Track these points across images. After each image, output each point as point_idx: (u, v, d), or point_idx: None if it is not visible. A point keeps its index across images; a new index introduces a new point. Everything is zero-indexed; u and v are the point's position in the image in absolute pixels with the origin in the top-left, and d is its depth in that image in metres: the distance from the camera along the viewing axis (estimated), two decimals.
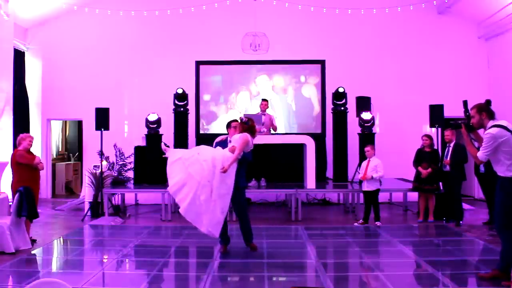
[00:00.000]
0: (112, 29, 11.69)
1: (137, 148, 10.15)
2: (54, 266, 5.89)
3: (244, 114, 9.46)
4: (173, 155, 5.84)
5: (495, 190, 4.65)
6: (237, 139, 5.80)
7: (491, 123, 4.62)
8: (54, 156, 12.85)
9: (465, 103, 5.41)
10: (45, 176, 11.34)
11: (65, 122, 13.74)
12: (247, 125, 5.95)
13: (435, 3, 11.11)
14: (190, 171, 5.59)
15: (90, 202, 9.21)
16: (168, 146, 6.14)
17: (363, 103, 10.34)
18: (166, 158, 6.00)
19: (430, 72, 11.59)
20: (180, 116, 10.51)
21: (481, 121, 4.68)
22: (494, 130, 4.52)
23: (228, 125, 6.35)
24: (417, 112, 11.14)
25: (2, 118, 9.56)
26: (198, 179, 5.54)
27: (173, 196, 5.80)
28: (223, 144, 6.17)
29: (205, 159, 5.61)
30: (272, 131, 9.52)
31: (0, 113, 9.47)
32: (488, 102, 4.75)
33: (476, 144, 5.12)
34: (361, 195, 8.57)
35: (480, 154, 4.62)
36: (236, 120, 6.39)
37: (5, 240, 6.11)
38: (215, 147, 6.18)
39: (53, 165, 12.48)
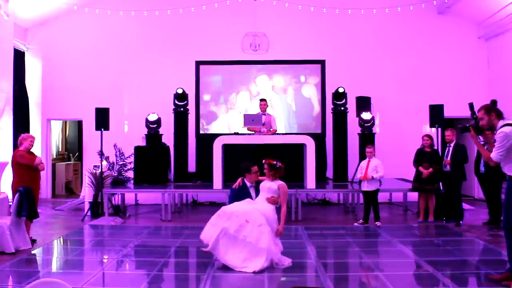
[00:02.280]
0: (112, 29, 11.69)
1: (137, 148, 10.16)
2: (54, 266, 5.89)
3: (244, 114, 9.49)
4: (213, 235, 5.27)
5: (506, 190, 4.51)
6: (275, 190, 5.43)
7: (501, 122, 4.54)
8: (54, 156, 12.85)
9: (471, 105, 5.35)
10: (45, 176, 11.34)
11: (65, 122, 13.74)
12: (281, 169, 5.54)
13: (435, 3, 11.10)
14: (253, 242, 5.18)
15: (90, 202, 9.21)
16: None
17: (363, 103, 10.35)
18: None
19: (430, 72, 11.59)
20: (180, 116, 10.51)
21: (491, 122, 4.59)
22: (507, 129, 4.42)
23: (248, 170, 5.74)
24: (417, 112, 11.14)
25: (2, 118, 9.56)
26: (265, 246, 5.22)
27: (241, 269, 5.19)
28: (244, 191, 5.71)
29: (260, 224, 5.23)
30: None
31: (0, 113, 9.47)
32: (494, 102, 4.68)
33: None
34: (361, 195, 8.56)
35: (494, 155, 4.50)
36: (254, 164, 5.82)
37: (5, 240, 6.10)
38: (232, 195, 5.73)
39: (53, 165, 12.48)
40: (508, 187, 4.50)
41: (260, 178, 5.76)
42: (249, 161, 5.92)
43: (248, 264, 5.18)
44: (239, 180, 5.80)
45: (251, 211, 5.31)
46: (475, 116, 4.80)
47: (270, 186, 5.50)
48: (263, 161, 5.66)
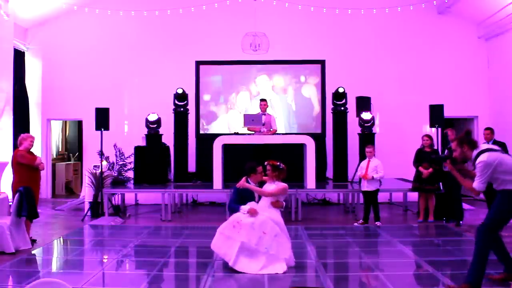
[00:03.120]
0: (112, 29, 11.69)
1: (137, 148, 10.16)
2: (54, 266, 5.89)
3: (244, 114, 9.49)
4: (232, 250, 5.22)
5: (501, 200, 4.40)
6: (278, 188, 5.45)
7: (475, 152, 4.45)
8: (54, 156, 12.85)
9: (444, 135, 5.25)
10: (45, 176, 11.33)
11: (65, 122, 13.74)
12: (283, 170, 5.51)
13: (435, 3, 11.10)
14: (275, 253, 5.19)
15: (90, 202, 9.21)
16: None
17: (363, 103, 10.35)
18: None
19: (430, 72, 11.59)
20: (180, 116, 10.51)
21: (463, 153, 4.50)
22: (485, 157, 4.33)
23: (253, 170, 5.62)
24: (417, 112, 11.14)
25: (2, 118, 9.56)
26: (287, 256, 5.29)
27: (259, 272, 5.16)
28: (248, 191, 5.59)
29: (276, 234, 5.24)
30: None
31: (0, 113, 9.47)
32: (468, 133, 4.55)
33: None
34: (361, 195, 8.56)
35: (477, 184, 4.37)
36: (259, 164, 5.70)
37: (5, 240, 6.10)
38: (236, 194, 5.64)
39: (53, 165, 12.48)
40: (504, 196, 4.36)
41: (264, 178, 5.71)
42: (253, 162, 5.84)
43: (267, 270, 5.16)
44: (243, 179, 5.71)
45: (266, 221, 5.27)
46: (449, 146, 4.69)
47: (269, 188, 5.49)
48: (266, 162, 5.61)
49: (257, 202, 5.58)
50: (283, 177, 5.55)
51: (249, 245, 5.16)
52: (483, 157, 4.34)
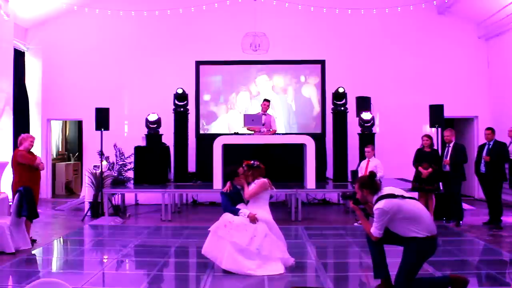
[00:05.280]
0: (112, 29, 11.69)
1: (137, 148, 10.16)
2: (54, 266, 5.90)
3: (244, 114, 9.49)
4: (223, 252, 5.23)
5: (416, 249, 4.31)
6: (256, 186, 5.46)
7: (375, 197, 4.29)
8: (54, 156, 12.85)
9: (353, 173, 5.10)
10: (45, 176, 11.32)
11: (65, 122, 13.74)
12: (259, 168, 5.54)
13: (435, 3, 11.10)
14: (267, 254, 5.20)
15: (90, 202, 9.21)
16: None
17: (363, 103, 10.35)
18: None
19: (430, 72, 11.59)
20: (180, 116, 10.51)
21: (364, 197, 4.39)
22: (381, 204, 4.17)
23: (236, 174, 5.56)
24: (417, 112, 11.14)
25: (2, 118, 9.56)
26: (281, 256, 5.32)
27: (257, 274, 5.14)
28: (239, 194, 5.57)
29: (266, 234, 5.25)
30: None
31: (0, 113, 9.48)
32: (372, 176, 4.43)
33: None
34: None
35: (374, 230, 4.28)
36: (239, 166, 5.64)
37: (5, 240, 6.10)
38: (227, 199, 5.56)
39: (53, 165, 12.48)
40: (419, 245, 4.29)
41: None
42: (231, 166, 5.76)
43: (263, 271, 5.15)
44: (229, 184, 5.65)
45: (255, 226, 5.28)
46: (353, 185, 4.62)
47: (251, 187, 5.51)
48: (243, 164, 5.63)
49: (246, 204, 5.56)
50: (260, 174, 5.54)
51: (240, 245, 5.16)
52: (379, 204, 4.19)
